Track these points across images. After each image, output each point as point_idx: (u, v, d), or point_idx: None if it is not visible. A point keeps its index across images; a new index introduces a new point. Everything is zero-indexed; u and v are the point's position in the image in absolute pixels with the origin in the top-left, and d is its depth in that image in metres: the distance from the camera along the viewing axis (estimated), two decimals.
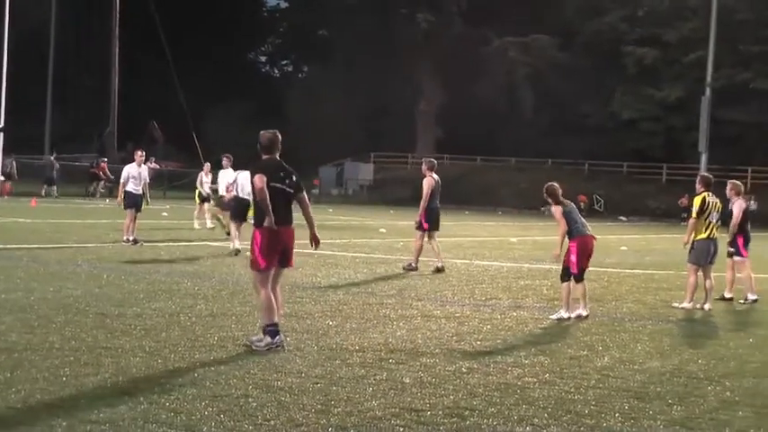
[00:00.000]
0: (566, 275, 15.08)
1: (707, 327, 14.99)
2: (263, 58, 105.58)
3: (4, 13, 51.20)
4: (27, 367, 9.45)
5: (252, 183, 11.34)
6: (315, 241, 11.78)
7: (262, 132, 11.82)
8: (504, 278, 20.42)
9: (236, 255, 21.97)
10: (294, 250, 11.56)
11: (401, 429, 7.92)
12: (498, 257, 25.55)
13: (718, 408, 9.31)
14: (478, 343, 12.25)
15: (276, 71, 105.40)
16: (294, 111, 79.72)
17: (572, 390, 9.72)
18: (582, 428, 8.24)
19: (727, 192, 18.52)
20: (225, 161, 26.45)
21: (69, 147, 65.29)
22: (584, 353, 11.88)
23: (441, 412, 8.52)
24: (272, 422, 7.88)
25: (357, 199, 70.22)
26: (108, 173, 54.81)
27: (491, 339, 12.57)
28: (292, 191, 11.51)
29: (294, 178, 11.57)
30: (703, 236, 16.76)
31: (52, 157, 57.16)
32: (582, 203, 55.65)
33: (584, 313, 14.98)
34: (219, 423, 7.81)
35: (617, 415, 8.78)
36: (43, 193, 51.44)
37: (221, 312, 13.79)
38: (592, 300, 16.92)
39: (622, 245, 33.64)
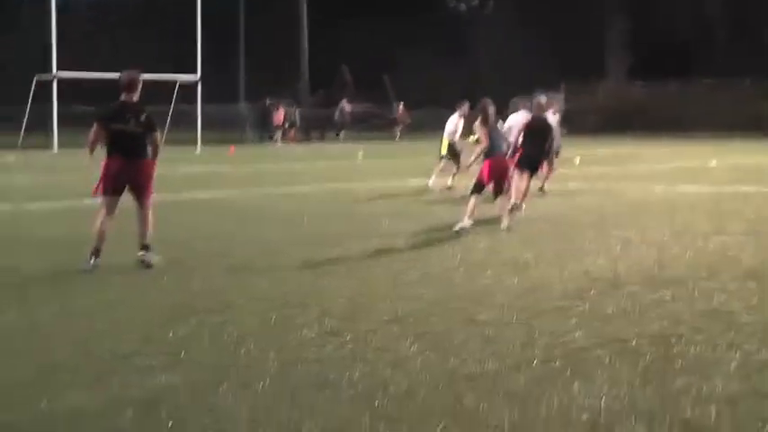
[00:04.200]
0: (475, 189, 15.98)
1: None
2: None
3: None
4: (236, 312, 9.73)
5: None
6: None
7: (122, 73, 12.65)
8: (704, 203, 19.98)
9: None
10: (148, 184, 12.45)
11: (606, 359, 7.87)
12: (696, 181, 24.98)
13: None
14: (681, 270, 12.04)
15: (464, 5, 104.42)
16: (479, 47, 79.20)
17: None
18: None
19: None
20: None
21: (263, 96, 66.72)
22: None
23: (646, 341, 8.42)
24: (478, 356, 7.92)
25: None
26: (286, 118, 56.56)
27: (694, 266, 12.33)
28: (140, 130, 12.30)
29: (142, 118, 12.30)
30: None
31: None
32: None
33: (464, 225, 15.63)
34: (426, 359, 7.89)
35: None
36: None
37: (419, 250, 13.90)
38: None
39: None
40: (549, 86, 75.92)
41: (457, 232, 15.53)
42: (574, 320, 9.24)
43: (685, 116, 65.15)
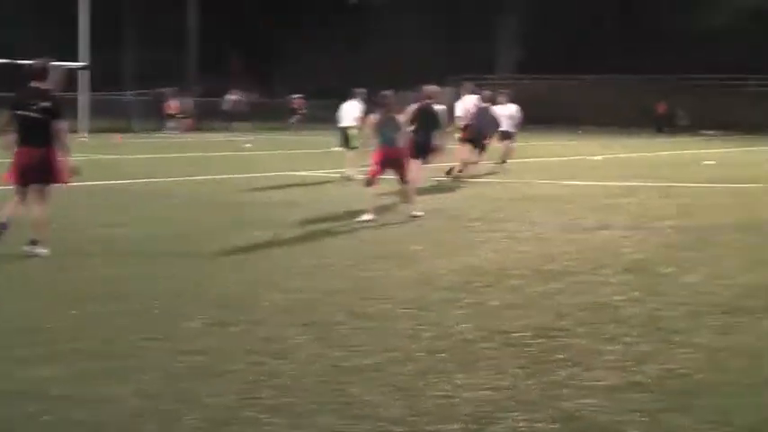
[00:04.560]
0: (367, 182, 16.64)
1: None
2: None
3: None
4: (122, 302, 9.64)
5: None
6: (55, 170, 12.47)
7: (34, 60, 12.69)
8: (590, 198, 20.31)
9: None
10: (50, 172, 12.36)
11: (491, 352, 7.97)
12: (579, 176, 25.36)
13: None
14: (566, 263, 12.23)
15: None
16: (373, 38, 79.23)
17: (661, 307, 9.68)
18: (672, 345, 8.21)
19: None
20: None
21: (149, 83, 65.94)
22: (673, 269, 11.80)
23: (530, 333, 8.54)
24: (363, 348, 7.96)
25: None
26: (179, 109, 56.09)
27: (579, 259, 12.54)
28: (44, 117, 12.23)
29: (46, 105, 12.25)
30: None
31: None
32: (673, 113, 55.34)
33: (368, 217, 15.96)
34: (313, 350, 7.91)
35: (708, 330, 8.73)
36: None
37: (310, 241, 13.92)
38: (680, 216, 16.85)
39: (708, 159, 33.22)
40: (441, 79, 76.69)
41: (362, 222, 15.76)
42: (460, 313, 9.33)
43: (574, 111, 66.08)
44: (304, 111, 59.63)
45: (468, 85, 26.40)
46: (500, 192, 21.39)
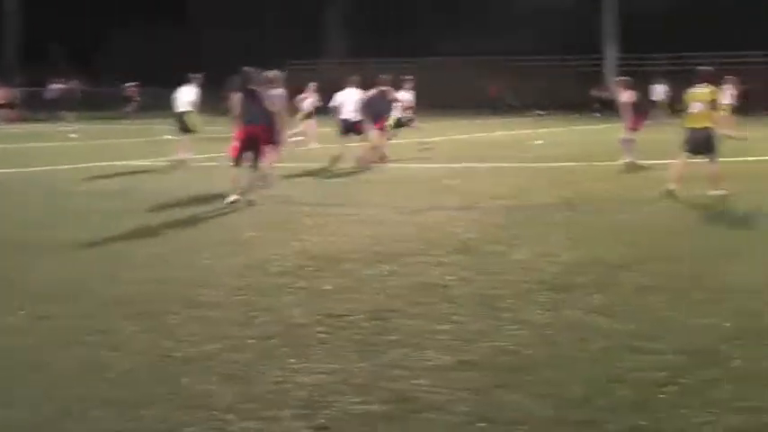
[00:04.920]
0: (234, 161, 16.78)
1: (620, 216, 15.11)
2: None
3: None
4: None
5: None
6: None
7: None
8: (423, 180, 20.51)
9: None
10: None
11: (323, 335, 7.99)
12: (415, 159, 25.58)
13: (634, 293, 9.50)
14: (397, 245, 12.31)
15: None
16: (199, 23, 78.33)
17: (491, 285, 9.84)
18: (502, 323, 8.36)
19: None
20: None
21: None
22: (502, 248, 12.01)
23: (362, 316, 8.60)
24: (195, 337, 7.88)
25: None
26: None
27: (411, 241, 12.65)
28: None
29: None
30: None
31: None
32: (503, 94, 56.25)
33: (233, 199, 16.11)
34: (144, 341, 7.81)
35: (535, 307, 8.92)
36: None
37: (143, 230, 13.72)
38: (510, 196, 17.16)
39: (538, 139, 33.88)
40: (271, 64, 76.35)
41: (231, 203, 16.03)
42: (292, 298, 9.33)
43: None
44: (139, 99, 58.55)
45: (355, 78, 26.14)
46: (334, 176, 21.41)
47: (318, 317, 8.56)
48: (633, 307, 8.93)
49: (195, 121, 24.14)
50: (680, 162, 17.27)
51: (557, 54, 67.59)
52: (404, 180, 20.18)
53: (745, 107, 36.01)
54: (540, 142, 32.22)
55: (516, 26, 67.27)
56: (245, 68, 17.32)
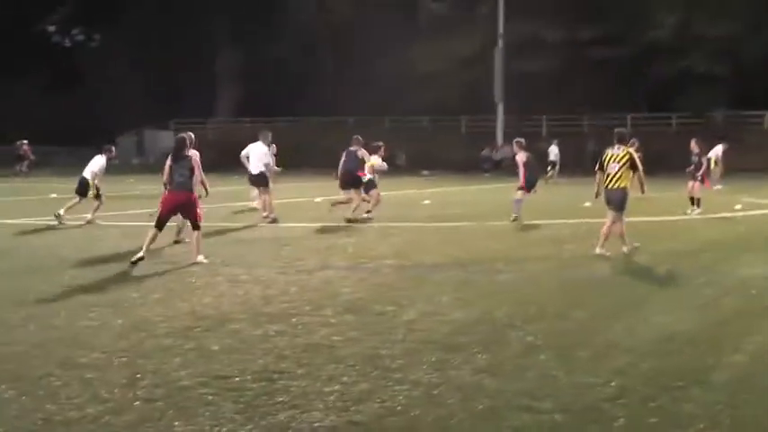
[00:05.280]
0: (156, 223, 16.69)
1: (509, 275, 15.23)
2: (52, 29, 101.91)
3: None
4: None
5: None
6: None
7: None
8: (309, 239, 20.45)
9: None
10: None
11: (210, 397, 7.87)
12: (304, 218, 25.53)
13: (522, 353, 9.55)
14: (285, 305, 12.23)
15: (68, 41, 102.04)
16: (90, 81, 77.76)
17: (379, 345, 9.82)
18: (390, 383, 8.33)
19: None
20: None
21: None
22: (391, 308, 11.99)
23: (249, 377, 8.50)
24: (77, 400, 7.71)
25: (159, 167, 69.00)
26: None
27: (298, 301, 12.57)
28: None
29: None
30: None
31: None
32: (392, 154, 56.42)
33: (139, 257, 16.03)
34: (23, 406, 7.61)
35: (424, 367, 8.91)
36: None
37: (22, 289, 13.42)
38: (396, 255, 17.18)
39: (425, 199, 34.09)
40: (160, 123, 76.00)
41: (133, 263, 15.80)
42: (178, 359, 9.18)
43: (293, 152, 66.51)
44: (32, 157, 57.62)
45: (266, 132, 26.34)
46: (217, 236, 21.20)
47: (205, 378, 8.44)
48: (520, 366, 8.97)
49: (90, 186, 24.25)
50: (609, 221, 17.59)
51: (447, 114, 68.62)
52: (293, 239, 20.07)
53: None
54: (427, 202, 32.41)
55: (409, 88, 67.97)
56: (181, 135, 17.23)
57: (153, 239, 16.53)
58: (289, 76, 72.98)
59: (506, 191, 24.62)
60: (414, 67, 70.10)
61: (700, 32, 62.49)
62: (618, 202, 17.37)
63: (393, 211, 27.49)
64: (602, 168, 17.55)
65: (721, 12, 62.24)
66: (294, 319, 11.23)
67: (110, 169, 25.36)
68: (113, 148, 25.66)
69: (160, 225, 16.71)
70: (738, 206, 26.52)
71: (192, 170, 16.80)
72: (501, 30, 63.88)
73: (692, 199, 25.98)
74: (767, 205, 29.52)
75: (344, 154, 25.74)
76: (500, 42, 63.85)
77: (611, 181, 17.42)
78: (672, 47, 63.24)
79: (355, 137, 26.58)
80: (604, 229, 17.51)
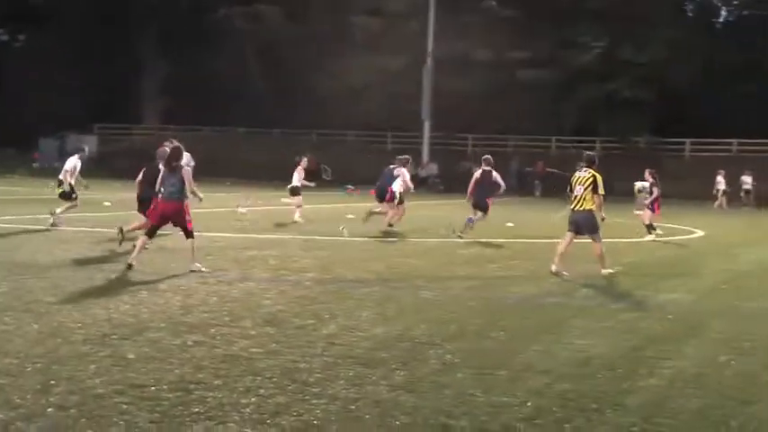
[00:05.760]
0: (148, 232, 17.13)
1: (431, 293, 15.25)
2: None
3: None
4: None
5: None
6: None
7: None
8: (232, 249, 20.34)
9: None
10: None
11: (125, 406, 7.78)
12: (226, 229, 25.40)
13: (440, 370, 9.58)
14: (205, 315, 12.16)
15: None
16: (13, 82, 76.63)
17: (298, 359, 9.79)
18: (307, 396, 8.31)
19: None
20: None
21: None
22: (311, 321, 11.97)
23: (166, 387, 8.42)
24: None
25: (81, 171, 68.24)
26: None
27: (218, 311, 12.50)
28: None
29: None
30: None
31: None
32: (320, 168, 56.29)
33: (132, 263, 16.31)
34: None
35: (342, 382, 8.90)
36: None
37: None
38: (319, 268, 17.15)
39: (349, 213, 34.06)
40: (84, 127, 75.19)
41: (129, 265, 16.16)
42: (93, 367, 9.08)
43: (220, 162, 66.20)
44: None
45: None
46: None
47: (120, 387, 8.35)
48: (438, 384, 8.99)
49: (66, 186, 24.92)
50: (565, 241, 17.83)
51: (374, 130, 68.76)
52: (213, 250, 19.94)
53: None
54: (351, 216, 32.39)
55: (338, 102, 67.90)
56: (175, 145, 17.26)
57: (142, 247, 16.85)
58: (218, 87, 72.54)
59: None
60: (343, 81, 70.14)
61: (626, 58, 63.34)
62: (586, 224, 17.71)
63: (316, 224, 27.47)
64: (571, 190, 17.80)
65: (646, 39, 63.20)
66: (213, 330, 11.16)
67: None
68: (86, 148, 26.03)
69: (151, 233, 17.10)
70: (660, 232, 26.85)
71: (182, 181, 16.70)
72: (430, 48, 64.24)
73: (647, 226, 26.51)
74: (687, 231, 30.05)
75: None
76: (429, 61, 64.22)
77: (577, 203, 17.68)
78: (598, 72, 63.96)
79: (399, 157, 29.46)
80: (560, 247, 17.75)
